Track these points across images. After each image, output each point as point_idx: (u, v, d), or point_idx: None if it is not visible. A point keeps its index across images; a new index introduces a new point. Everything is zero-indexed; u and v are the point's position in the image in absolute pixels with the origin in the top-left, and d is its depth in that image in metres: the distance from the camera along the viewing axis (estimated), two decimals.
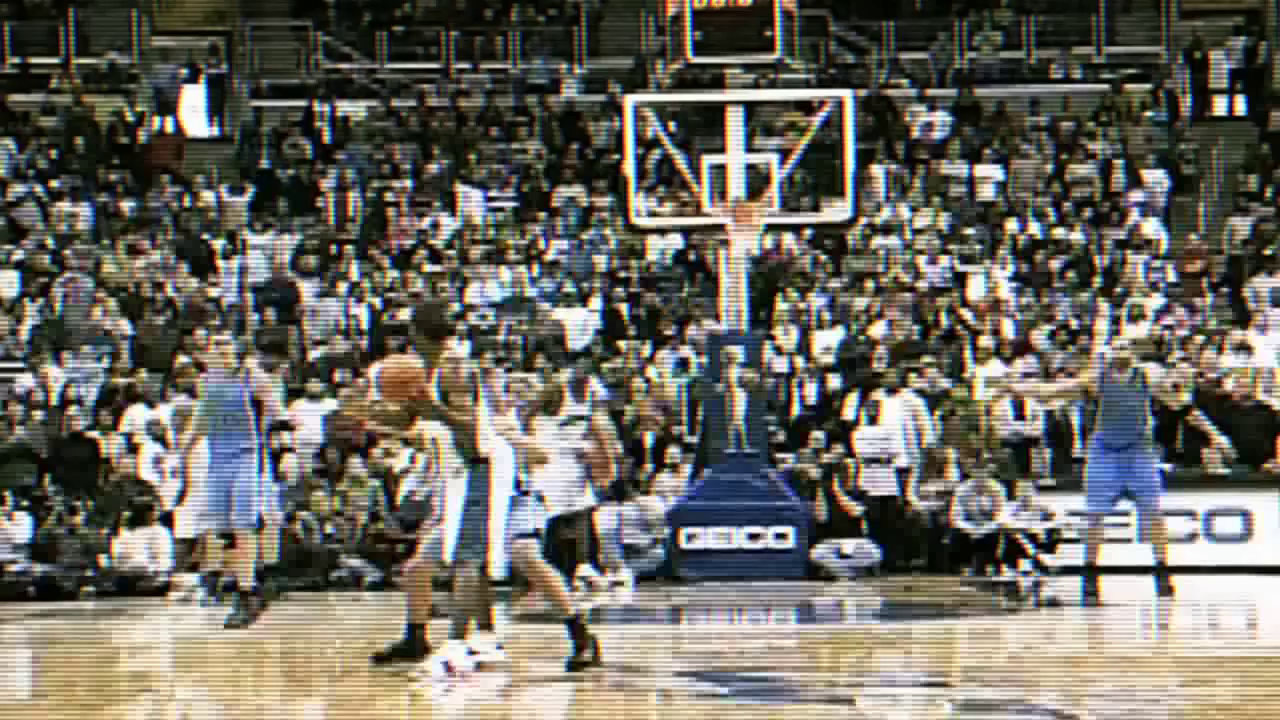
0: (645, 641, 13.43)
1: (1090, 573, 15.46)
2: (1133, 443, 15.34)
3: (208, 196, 26.88)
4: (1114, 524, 16.81)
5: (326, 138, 29.18)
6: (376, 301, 23.58)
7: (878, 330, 22.35)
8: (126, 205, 26.61)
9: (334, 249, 25.29)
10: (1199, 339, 21.56)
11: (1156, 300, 23.38)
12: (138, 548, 18.45)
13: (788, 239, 24.44)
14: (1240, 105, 30.52)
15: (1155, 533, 15.72)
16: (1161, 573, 15.51)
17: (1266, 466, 19.07)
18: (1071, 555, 17.57)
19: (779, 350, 22.00)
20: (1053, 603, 16.08)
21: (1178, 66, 30.85)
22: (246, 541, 14.17)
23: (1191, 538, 18.57)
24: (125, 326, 22.88)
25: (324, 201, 27.10)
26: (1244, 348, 20.85)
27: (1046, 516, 18.48)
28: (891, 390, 20.06)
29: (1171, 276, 24.60)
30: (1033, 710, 9.65)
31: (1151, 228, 25.72)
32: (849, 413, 20.47)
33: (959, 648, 12.28)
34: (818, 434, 19.89)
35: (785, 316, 22.80)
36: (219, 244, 25.26)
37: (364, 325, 23.29)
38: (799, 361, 21.98)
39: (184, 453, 14.96)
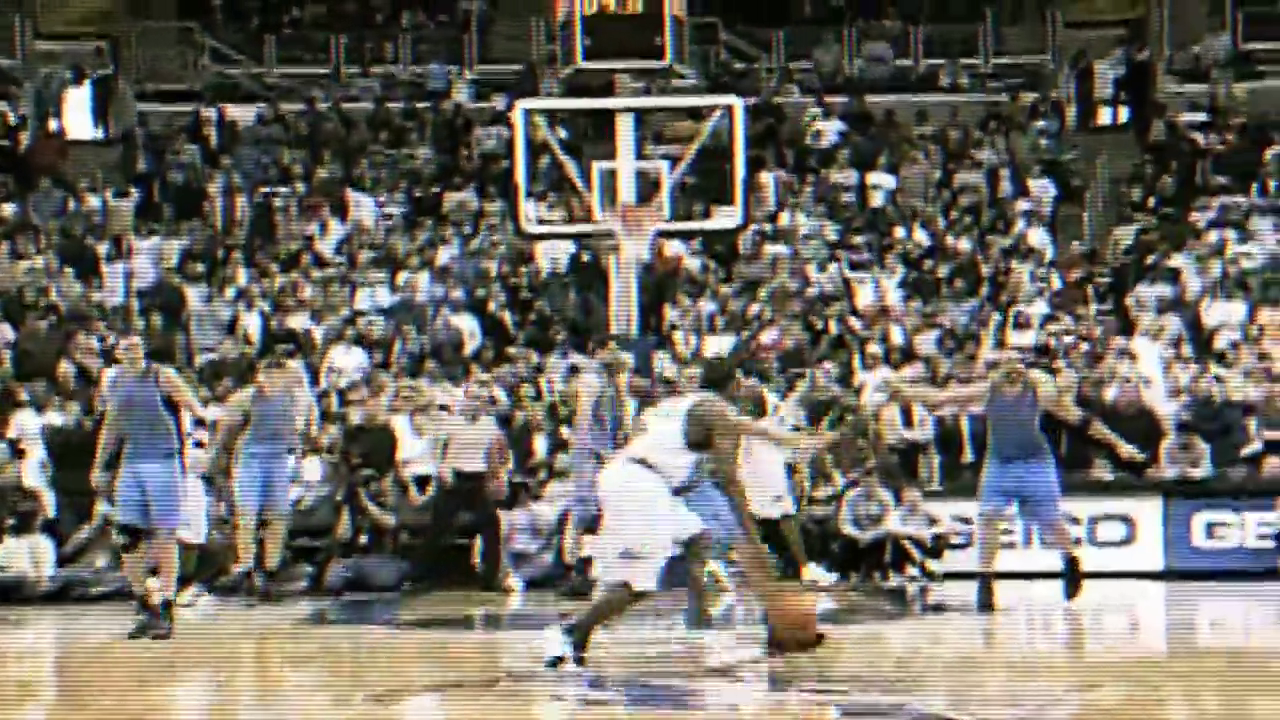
0: (534, 649, 13.39)
1: (986, 579, 15.48)
2: (1026, 455, 15.41)
3: (92, 200, 26.59)
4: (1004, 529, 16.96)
5: (213, 142, 28.94)
6: (265, 306, 23.40)
7: (768, 337, 22.44)
8: (9, 209, 26.26)
9: (221, 254, 25.08)
10: (1083, 346, 21.79)
11: (1041, 308, 23.60)
12: (20, 556, 18.20)
13: (678, 246, 24.48)
14: (1124, 115, 30.90)
15: (1060, 539, 15.82)
16: (1071, 577, 15.55)
17: (1149, 473, 19.30)
18: (961, 561, 17.71)
19: (677, 359, 22.05)
20: (938, 608, 16.18)
21: (1064, 76, 31.19)
22: (169, 548, 14.01)
23: (1076, 543, 18.75)
24: (8, 331, 22.58)
25: (210, 206, 26.88)
26: (1127, 355, 21.08)
27: (933, 522, 18.60)
28: (782, 395, 20.12)
29: (1056, 285, 24.85)
30: (919, 715, 9.70)
31: (1037, 236, 25.96)
32: None
33: (846, 653, 12.32)
34: None
35: (679, 323, 22.85)
36: (103, 248, 24.99)
37: (252, 331, 23.10)
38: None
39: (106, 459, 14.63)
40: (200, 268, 24.48)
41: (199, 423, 15.77)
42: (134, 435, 13.92)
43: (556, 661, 11.13)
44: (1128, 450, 16.11)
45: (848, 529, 18.72)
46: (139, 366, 14.05)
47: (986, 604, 15.20)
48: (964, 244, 25.73)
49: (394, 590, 18.11)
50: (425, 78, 31.12)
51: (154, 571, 14.15)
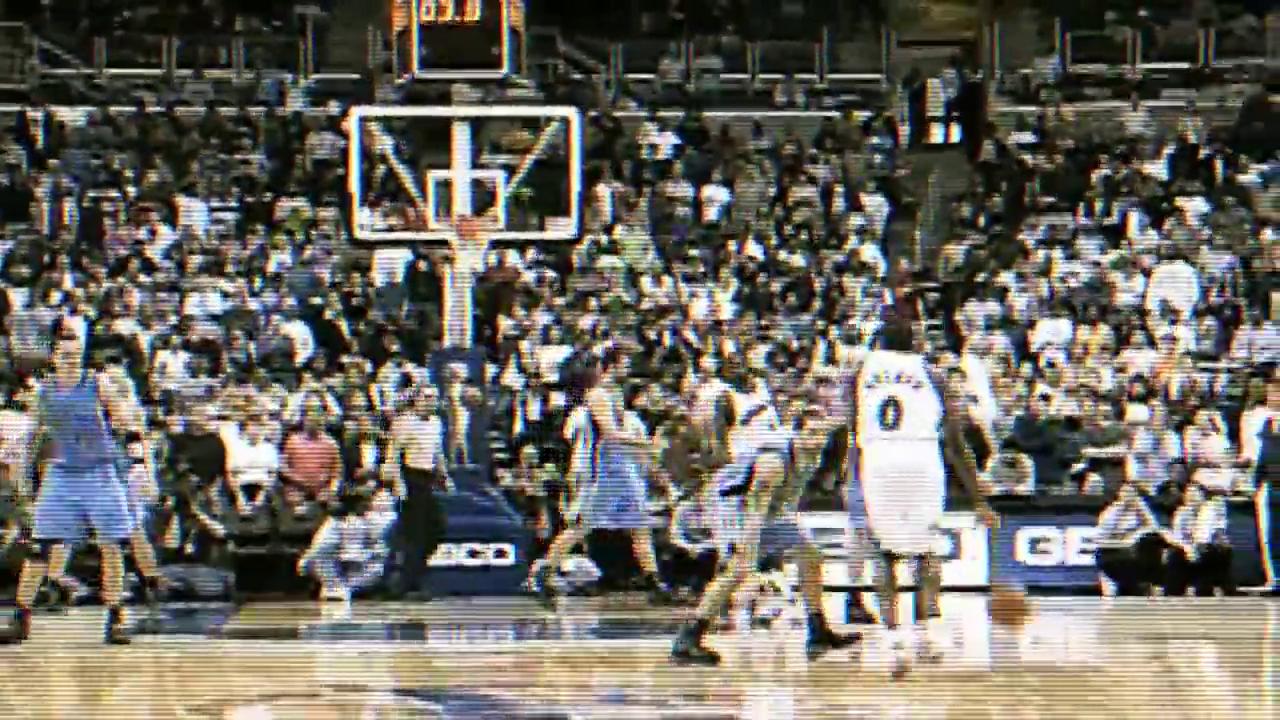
0: (361, 659, 13.30)
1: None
2: None
3: None
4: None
5: (41, 143, 28.43)
6: (90, 311, 23.04)
7: (601, 349, 22.46)
8: None
9: (47, 258, 24.65)
10: None
11: (873, 323, 23.83)
12: None
13: (512, 256, 24.45)
14: (956, 134, 31.32)
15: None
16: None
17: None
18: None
19: (523, 369, 22.05)
20: (768, 622, 16.22)
21: (897, 95, 31.55)
22: (115, 556, 13.88)
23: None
24: None
25: (37, 209, 26.41)
26: (956, 372, 21.32)
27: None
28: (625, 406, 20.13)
29: (888, 300, 25.11)
30: None
31: (870, 252, 26.23)
32: (570, 430, 20.51)
33: (672, 666, 12.34)
34: (529, 450, 19.93)
35: (512, 334, 22.82)
36: None
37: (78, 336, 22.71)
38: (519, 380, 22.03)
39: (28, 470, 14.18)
40: (25, 271, 24.05)
41: (132, 436, 15.48)
42: (68, 446, 13.49)
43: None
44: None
45: (679, 541, 18.76)
46: (76, 376, 13.58)
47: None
48: (798, 259, 25.94)
49: (220, 600, 17.90)
50: (259, 83, 30.81)
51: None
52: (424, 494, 18.08)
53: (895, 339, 11.95)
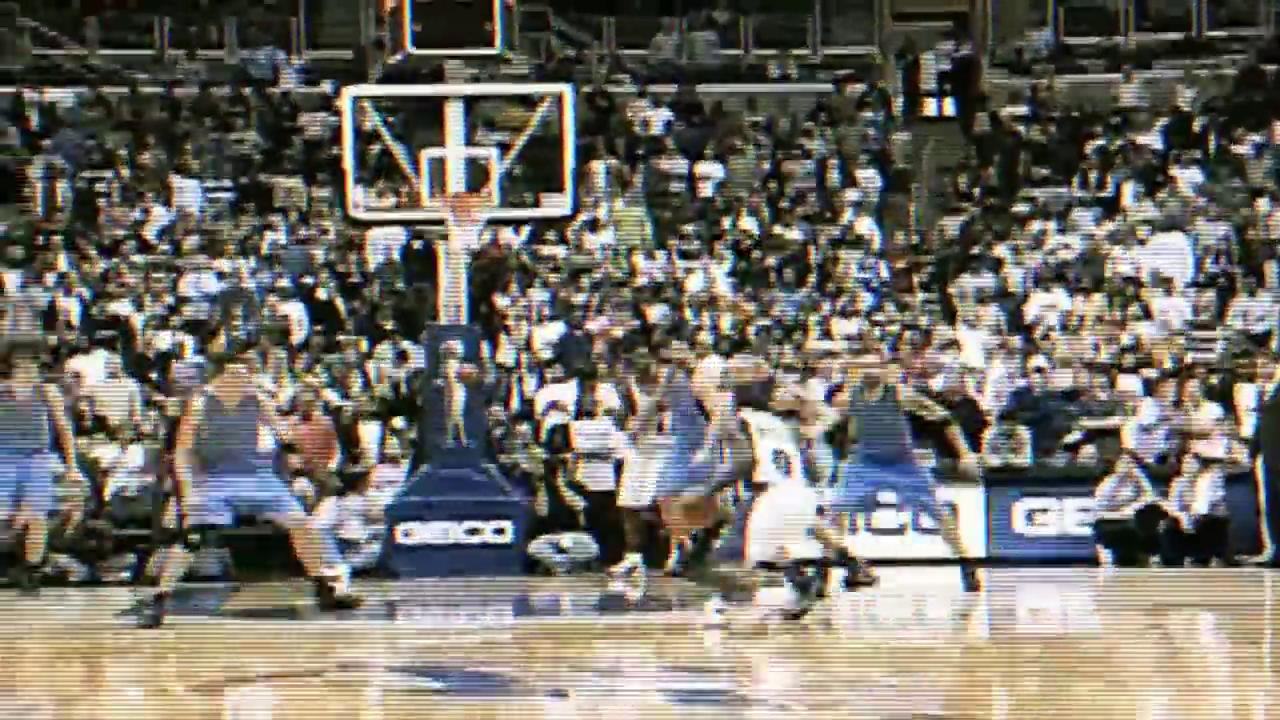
0: (360, 637, 13.32)
1: (820, 566, 15.60)
2: (894, 456, 15.55)
3: None
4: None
5: (34, 125, 28.38)
6: (85, 292, 23.03)
7: (596, 325, 22.47)
8: None
9: (41, 239, 24.63)
10: (908, 335, 22.04)
11: (869, 297, 23.85)
12: None
13: (507, 233, 24.43)
14: (950, 107, 31.30)
15: (946, 532, 16.02)
16: (967, 569, 15.72)
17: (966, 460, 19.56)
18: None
19: (528, 345, 22.08)
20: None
21: (891, 68, 31.53)
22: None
23: (901, 530, 18.98)
24: None
25: (31, 190, 26.38)
26: (952, 345, 21.35)
27: None
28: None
29: (884, 274, 25.12)
30: (745, 701, 9.77)
31: (865, 226, 26.23)
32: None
33: (673, 641, 12.38)
34: (524, 428, 19.96)
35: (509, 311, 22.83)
36: None
37: (73, 317, 22.73)
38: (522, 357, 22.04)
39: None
40: (19, 252, 24.03)
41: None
42: (228, 450, 13.99)
43: None
44: (969, 460, 16.39)
45: None
46: (238, 396, 14.09)
47: (820, 592, 15.34)
48: (792, 233, 25.93)
49: (219, 580, 17.91)
50: (252, 62, 30.76)
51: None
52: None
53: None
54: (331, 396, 20.60)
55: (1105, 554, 18.70)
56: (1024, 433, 19.89)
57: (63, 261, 23.87)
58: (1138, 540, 18.62)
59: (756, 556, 12.83)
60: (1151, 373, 20.53)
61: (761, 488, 12.80)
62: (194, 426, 13.88)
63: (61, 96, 29.08)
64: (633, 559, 17.89)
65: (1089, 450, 19.74)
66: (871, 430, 15.52)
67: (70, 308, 22.73)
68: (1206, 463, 18.83)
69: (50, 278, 23.30)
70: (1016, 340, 22.03)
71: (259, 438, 14.32)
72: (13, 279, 23.35)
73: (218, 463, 13.83)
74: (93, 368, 20.80)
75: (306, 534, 14.35)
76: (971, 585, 15.56)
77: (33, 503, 16.54)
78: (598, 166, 26.78)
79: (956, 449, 16.15)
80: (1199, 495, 18.65)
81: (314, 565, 14.28)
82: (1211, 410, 19.62)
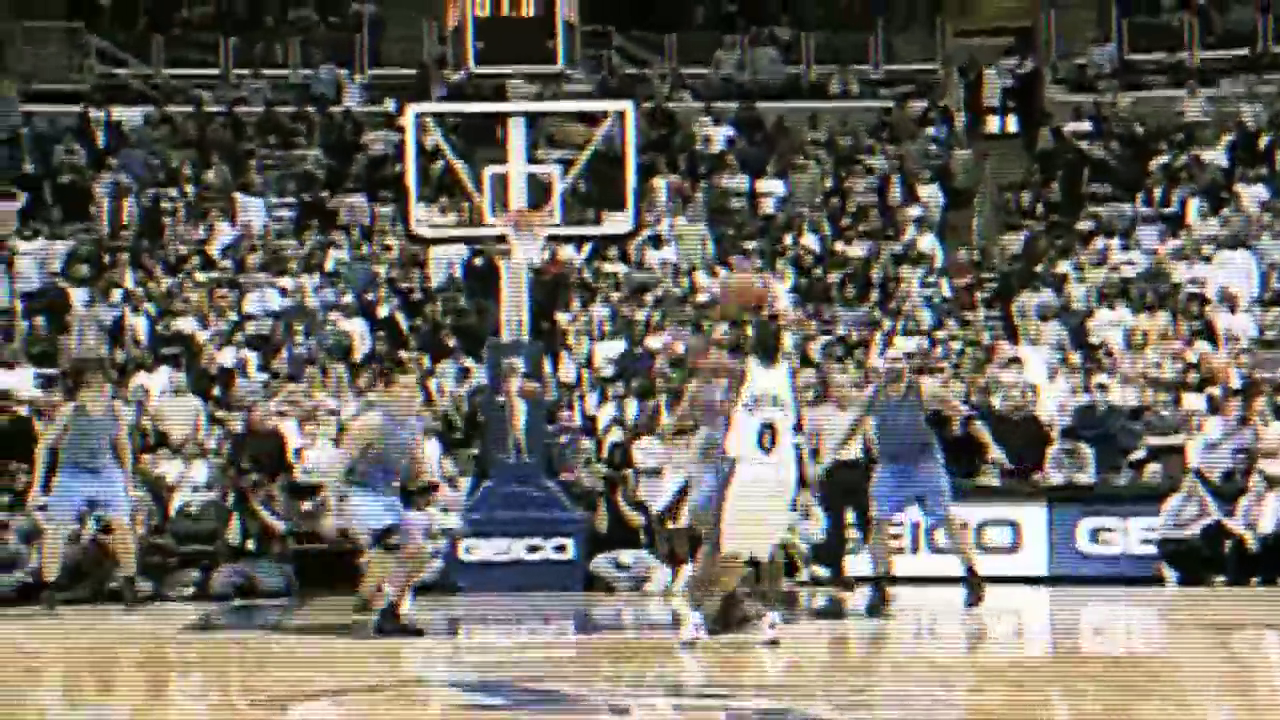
0: (422, 653, 13.35)
1: (879, 583, 15.56)
2: (914, 454, 15.49)
3: None
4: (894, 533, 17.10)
5: (101, 143, 28.61)
6: (151, 309, 23.19)
7: (656, 342, 22.47)
8: None
9: (107, 257, 24.82)
10: (970, 352, 21.98)
11: (930, 314, 23.78)
12: None
13: (568, 250, 24.47)
14: (1012, 123, 31.20)
15: (955, 539, 15.93)
16: (971, 581, 15.62)
17: (1034, 478, 19.48)
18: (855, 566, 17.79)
19: (589, 362, 22.09)
20: (828, 613, 16.21)
21: (953, 85, 31.45)
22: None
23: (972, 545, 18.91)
24: None
25: (97, 208, 26.58)
26: (1014, 362, 21.27)
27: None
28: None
29: (946, 291, 25.04)
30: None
31: (927, 243, 26.16)
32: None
33: (736, 658, 12.36)
34: (587, 443, 19.98)
35: (569, 327, 22.87)
36: None
37: (139, 334, 22.89)
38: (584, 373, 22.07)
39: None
40: (86, 270, 24.22)
41: None
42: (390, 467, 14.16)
43: None
44: (996, 454, 16.39)
45: None
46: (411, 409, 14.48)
47: (876, 608, 15.29)
48: (854, 250, 25.89)
49: (282, 595, 17.99)
50: (315, 80, 30.93)
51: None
52: None
53: (765, 352, 12.55)
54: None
55: (1170, 573, 18.57)
56: (1087, 450, 19.78)
57: (129, 279, 24.04)
58: (1203, 559, 18.48)
59: (733, 551, 12.49)
60: (1217, 390, 20.40)
61: (732, 466, 12.36)
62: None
63: (128, 115, 29.32)
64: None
65: (1154, 468, 19.62)
66: (892, 427, 15.43)
67: (136, 325, 22.89)
68: (1273, 481, 18.68)
69: (116, 295, 23.47)
70: (1078, 357, 21.93)
71: None
72: (80, 296, 23.54)
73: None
74: (157, 384, 20.94)
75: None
76: (974, 599, 15.44)
77: (117, 514, 16.72)
78: (659, 183, 26.80)
79: (983, 443, 16.15)
80: (1265, 514, 18.50)
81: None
82: (1278, 428, 19.48)
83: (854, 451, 16.67)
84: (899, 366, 15.75)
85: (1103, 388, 20.62)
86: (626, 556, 18.77)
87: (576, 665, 12.50)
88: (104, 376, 17.61)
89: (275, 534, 18.56)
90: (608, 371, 22.10)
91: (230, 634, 15.09)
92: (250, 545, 18.51)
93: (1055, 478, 19.55)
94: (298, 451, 19.77)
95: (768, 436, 12.34)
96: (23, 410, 20.02)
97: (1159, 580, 18.49)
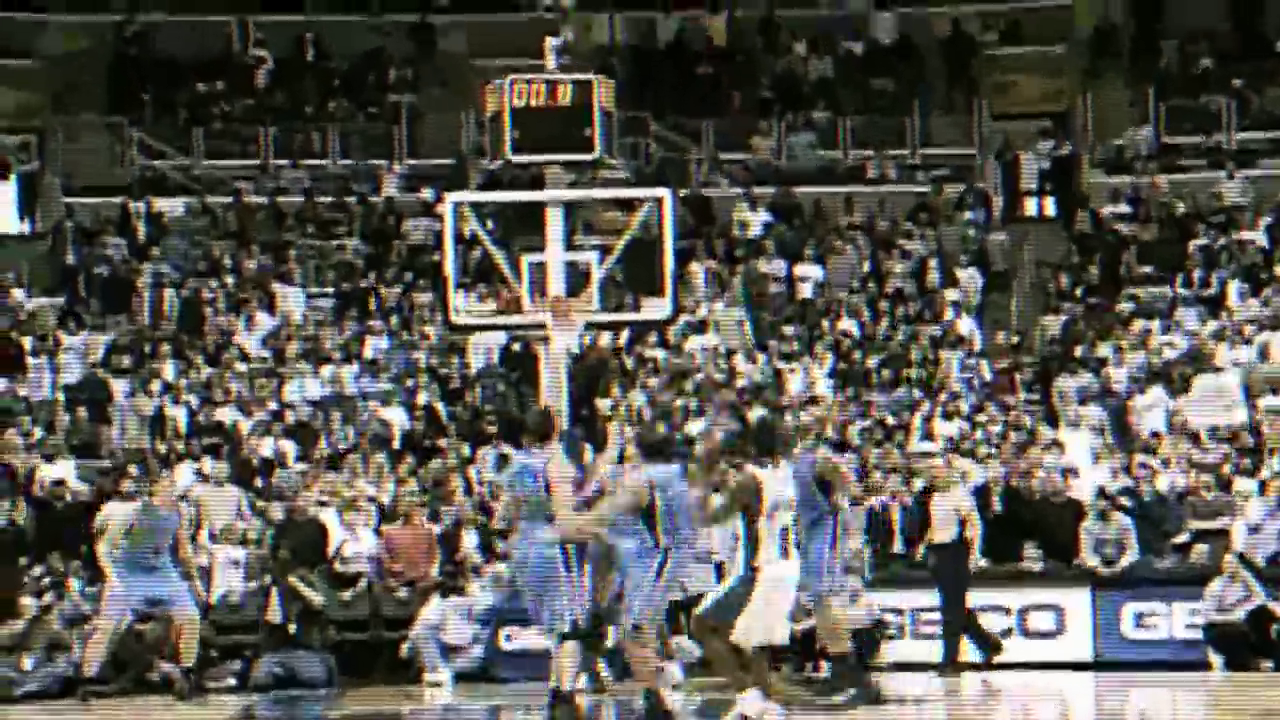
0: None
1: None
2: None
3: (18, 294, 26.39)
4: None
5: (141, 235, 28.79)
6: (191, 400, 23.25)
7: (695, 427, 22.42)
8: None
9: (148, 347, 24.92)
10: (1012, 436, 21.88)
11: (970, 398, 23.71)
12: None
13: (608, 338, 24.50)
14: (1050, 206, 31.20)
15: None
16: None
17: (1076, 562, 19.35)
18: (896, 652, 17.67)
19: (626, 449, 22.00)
20: (875, 699, 16.05)
21: (990, 168, 31.47)
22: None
23: (1006, 633, 18.77)
24: None
25: (138, 299, 26.71)
26: (1055, 445, 21.16)
27: (872, 613, 18.54)
28: (715, 487, 20.02)
29: (986, 374, 24.97)
30: None
31: (966, 325, 26.12)
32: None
33: None
34: None
35: (609, 414, 22.84)
36: (29, 342, 24.78)
37: (180, 425, 22.95)
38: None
39: None
40: (127, 361, 24.32)
41: None
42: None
43: None
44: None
45: None
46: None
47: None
48: (893, 334, 25.85)
49: (324, 686, 17.93)
50: (354, 170, 31.11)
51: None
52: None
53: (766, 454, 12.70)
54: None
55: (1216, 658, 18.39)
56: (1124, 520, 19.53)
57: (169, 369, 24.13)
58: (1249, 644, 18.29)
59: (745, 637, 12.46)
60: (1264, 473, 20.23)
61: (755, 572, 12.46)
62: None
63: (169, 206, 29.51)
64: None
65: (1201, 549, 19.44)
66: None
67: (177, 415, 22.95)
68: None
69: (157, 385, 23.55)
70: (1111, 438, 21.80)
71: None
72: (121, 387, 23.63)
73: None
74: (198, 474, 20.97)
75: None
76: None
77: (182, 608, 16.75)
78: (697, 269, 26.83)
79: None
80: None
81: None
82: None
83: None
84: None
85: (1146, 469, 20.48)
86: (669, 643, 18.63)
87: None
88: (166, 472, 17.90)
89: (314, 611, 18.50)
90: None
91: None
92: (292, 629, 18.45)
93: (1092, 560, 19.33)
94: (340, 543, 19.76)
95: (787, 541, 12.56)
96: (67, 498, 20.13)
97: (1205, 665, 18.30)
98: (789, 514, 12.60)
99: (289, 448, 22.19)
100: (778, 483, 12.54)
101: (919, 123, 32.00)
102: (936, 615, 18.30)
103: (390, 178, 30.86)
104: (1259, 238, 27.33)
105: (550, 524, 12.83)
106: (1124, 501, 19.81)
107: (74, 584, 18.58)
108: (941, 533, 18.14)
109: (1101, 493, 19.83)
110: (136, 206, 29.19)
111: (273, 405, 23.28)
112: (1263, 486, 19.91)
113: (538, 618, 12.99)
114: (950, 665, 17.90)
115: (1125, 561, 19.33)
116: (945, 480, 18.43)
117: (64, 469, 21.14)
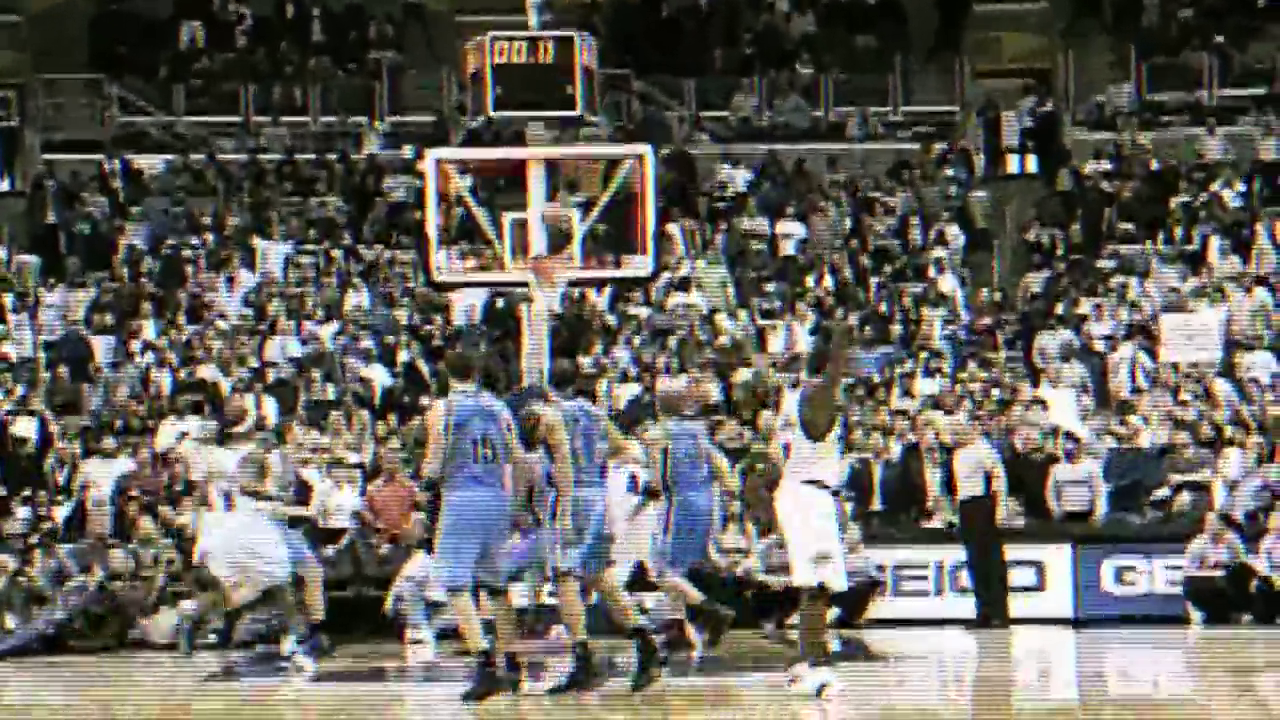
0: (445, 702, 13.32)
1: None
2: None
3: None
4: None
5: (121, 193, 28.70)
6: (173, 358, 23.22)
7: (669, 385, 22.39)
8: None
9: (129, 305, 24.87)
10: (994, 393, 21.93)
11: (952, 355, 23.73)
12: None
13: (592, 295, 24.47)
14: (1032, 163, 31.21)
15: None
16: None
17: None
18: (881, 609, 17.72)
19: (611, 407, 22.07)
20: (853, 656, 16.10)
21: (972, 125, 31.46)
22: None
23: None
24: None
25: (119, 257, 26.65)
26: (1038, 403, 21.20)
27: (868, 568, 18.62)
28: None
29: (966, 331, 24.99)
30: None
31: (948, 283, 26.13)
32: None
33: (758, 702, 12.30)
34: None
35: (591, 371, 22.84)
36: (9, 299, 24.73)
37: (163, 383, 22.92)
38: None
39: None
40: (108, 319, 24.27)
41: None
42: None
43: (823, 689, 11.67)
44: None
45: (761, 576, 18.70)
46: None
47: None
48: (874, 292, 25.86)
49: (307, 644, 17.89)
50: (335, 128, 31.02)
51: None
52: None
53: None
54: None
55: (1195, 613, 18.48)
56: (1098, 477, 19.63)
57: (150, 328, 24.09)
58: (1228, 599, 18.39)
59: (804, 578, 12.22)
60: (1238, 432, 20.31)
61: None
62: None
63: (148, 164, 29.42)
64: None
65: (1183, 500, 19.51)
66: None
67: (159, 373, 22.92)
68: None
69: (138, 344, 23.51)
70: (1090, 399, 21.86)
71: None
72: (102, 345, 23.59)
73: None
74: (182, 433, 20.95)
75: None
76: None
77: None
78: (678, 227, 26.80)
79: None
80: None
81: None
82: None
83: None
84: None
85: (1125, 426, 20.54)
86: (648, 600, 18.68)
87: (600, 709, 12.43)
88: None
89: None
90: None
91: (252, 682, 15.05)
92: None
93: (1055, 502, 19.46)
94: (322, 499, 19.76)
95: None
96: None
97: (1185, 620, 18.39)
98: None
99: (270, 405, 22.16)
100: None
101: (901, 80, 31.96)
102: (965, 572, 18.47)
103: (372, 135, 30.78)
104: (1239, 194, 27.34)
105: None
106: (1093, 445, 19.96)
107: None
108: (967, 486, 18.30)
109: (1069, 435, 19.90)
110: (115, 164, 29.09)
111: (253, 363, 23.24)
112: (1234, 441, 19.97)
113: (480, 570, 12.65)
114: (985, 620, 17.98)
115: (1097, 509, 19.40)
116: (964, 435, 18.62)
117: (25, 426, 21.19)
